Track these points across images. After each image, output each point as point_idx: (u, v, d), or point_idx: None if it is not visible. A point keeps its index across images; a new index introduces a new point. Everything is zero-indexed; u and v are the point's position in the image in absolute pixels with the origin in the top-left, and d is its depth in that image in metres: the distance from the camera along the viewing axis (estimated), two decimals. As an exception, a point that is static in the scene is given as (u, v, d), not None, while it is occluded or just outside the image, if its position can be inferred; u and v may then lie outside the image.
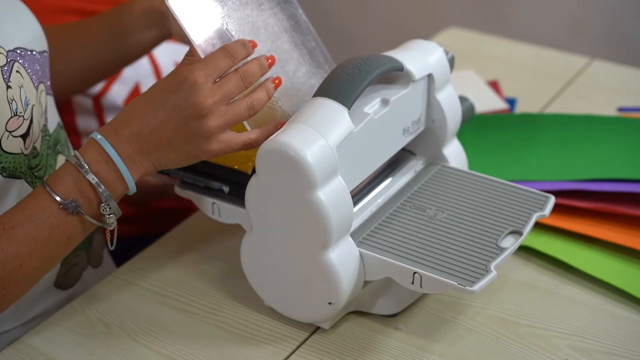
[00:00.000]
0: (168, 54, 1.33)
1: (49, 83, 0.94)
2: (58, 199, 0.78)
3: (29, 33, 0.91)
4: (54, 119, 0.95)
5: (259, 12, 0.89)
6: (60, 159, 0.95)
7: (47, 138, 0.92)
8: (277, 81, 0.84)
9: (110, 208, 0.79)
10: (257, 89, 0.83)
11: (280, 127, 0.82)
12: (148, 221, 1.33)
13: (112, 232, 0.82)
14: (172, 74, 0.80)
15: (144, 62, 1.29)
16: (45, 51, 0.93)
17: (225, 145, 0.81)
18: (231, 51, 0.81)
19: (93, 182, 0.78)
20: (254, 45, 0.84)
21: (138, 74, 1.28)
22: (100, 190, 0.78)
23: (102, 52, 1.08)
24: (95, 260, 1.03)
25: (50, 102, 0.94)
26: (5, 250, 0.77)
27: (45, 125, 0.91)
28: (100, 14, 1.09)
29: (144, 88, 1.28)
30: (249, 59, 0.83)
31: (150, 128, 0.79)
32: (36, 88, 0.89)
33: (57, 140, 0.95)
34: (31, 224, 0.78)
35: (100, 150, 0.78)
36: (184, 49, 1.03)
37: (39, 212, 0.78)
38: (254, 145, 0.82)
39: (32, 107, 0.87)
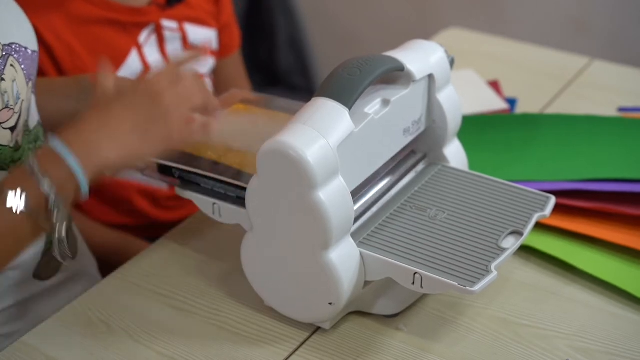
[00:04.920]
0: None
1: (34, 82, 0.95)
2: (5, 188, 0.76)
3: (23, 30, 0.92)
4: (34, 117, 0.96)
5: None
6: None
7: (28, 133, 0.93)
8: None
9: (55, 201, 0.76)
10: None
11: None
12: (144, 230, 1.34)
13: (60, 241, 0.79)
14: None
15: None
16: (35, 52, 0.94)
17: (187, 122, 0.84)
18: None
19: (37, 173, 0.76)
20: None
21: None
22: (45, 185, 0.75)
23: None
24: (73, 251, 1.03)
25: (33, 101, 0.95)
26: None
27: (26, 121, 0.93)
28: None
29: None
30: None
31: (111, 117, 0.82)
32: (27, 84, 0.90)
33: (37, 137, 0.96)
34: None
35: (49, 149, 0.78)
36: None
37: None
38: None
39: (22, 102, 0.88)
